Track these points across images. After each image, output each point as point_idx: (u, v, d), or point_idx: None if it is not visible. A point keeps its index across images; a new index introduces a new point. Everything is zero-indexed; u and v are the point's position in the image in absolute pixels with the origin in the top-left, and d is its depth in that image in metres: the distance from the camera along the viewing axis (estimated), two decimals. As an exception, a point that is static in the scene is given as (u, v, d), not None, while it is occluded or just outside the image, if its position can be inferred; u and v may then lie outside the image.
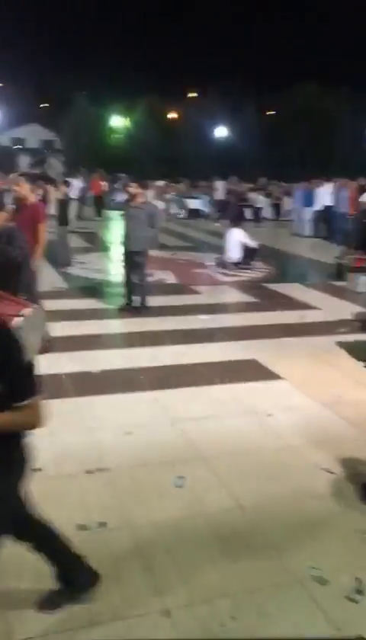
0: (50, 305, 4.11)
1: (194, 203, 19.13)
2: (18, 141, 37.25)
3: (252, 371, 4.56)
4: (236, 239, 9.16)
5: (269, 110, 33.51)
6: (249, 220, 16.44)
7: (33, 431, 3.29)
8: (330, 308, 6.81)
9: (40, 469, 2.95)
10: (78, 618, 2.04)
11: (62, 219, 9.05)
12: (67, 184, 9.85)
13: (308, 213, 13.99)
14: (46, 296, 4.52)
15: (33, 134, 39.01)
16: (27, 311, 2.67)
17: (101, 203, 16.88)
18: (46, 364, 3.34)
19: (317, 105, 31.29)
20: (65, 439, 3.29)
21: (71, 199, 10.15)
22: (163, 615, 2.07)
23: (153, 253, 6.37)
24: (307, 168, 22.91)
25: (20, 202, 4.87)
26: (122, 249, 6.37)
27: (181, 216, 18.70)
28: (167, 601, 2.14)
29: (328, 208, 13.22)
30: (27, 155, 28.20)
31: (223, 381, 4.31)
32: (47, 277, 7.13)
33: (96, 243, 12.26)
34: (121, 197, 7.84)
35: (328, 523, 2.64)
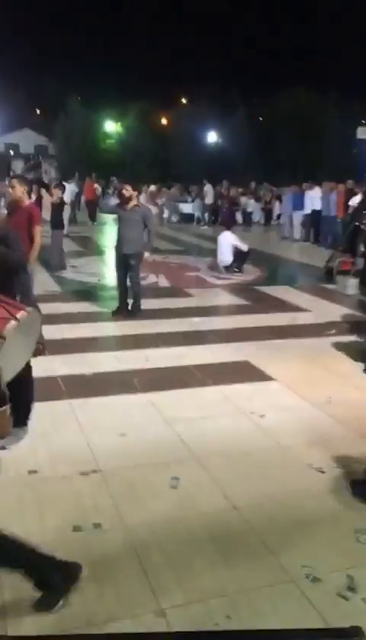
0: (44, 308, 4.12)
1: (186, 208, 19.23)
2: (12, 146, 37.21)
3: (245, 372, 4.60)
4: (228, 242, 9.22)
5: (258, 116, 33.75)
6: (240, 224, 16.56)
7: (26, 434, 3.32)
8: (320, 310, 6.88)
9: (35, 471, 2.98)
10: (74, 619, 2.05)
11: (56, 222, 9.07)
12: (62, 187, 9.85)
13: (297, 217, 14.12)
14: (40, 300, 4.52)
15: (27, 139, 39.00)
16: (22, 314, 2.70)
17: (94, 208, 16.90)
18: (40, 367, 3.37)
19: (305, 110, 31.54)
20: (59, 441, 3.31)
21: (65, 203, 10.15)
22: (158, 615, 2.09)
23: (146, 256, 6.38)
24: (297, 173, 23.08)
25: (15, 204, 4.89)
26: (115, 252, 6.39)
27: (174, 220, 18.79)
28: (162, 601, 2.15)
29: (317, 212, 13.36)
30: (20, 160, 28.19)
31: (215, 382, 4.34)
32: (41, 281, 7.15)
33: (90, 247, 12.29)
34: (114, 201, 7.87)
35: (320, 521, 2.67)
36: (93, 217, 16.86)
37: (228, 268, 9.20)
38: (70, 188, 15.36)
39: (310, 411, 3.89)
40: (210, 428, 3.58)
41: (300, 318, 6.44)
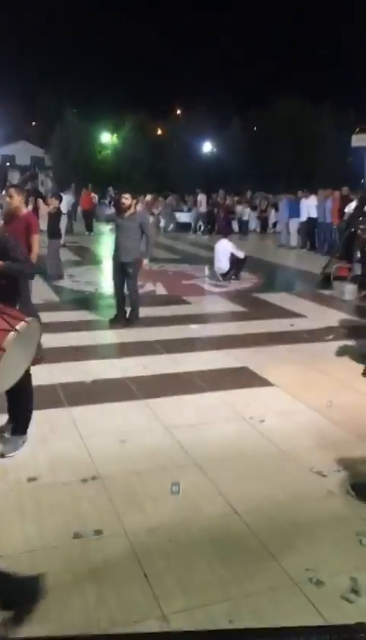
0: (42, 317, 4.13)
1: (182, 217, 19.35)
2: (8, 158, 37.41)
3: (244, 378, 4.60)
4: (225, 250, 9.26)
5: (253, 126, 34.06)
6: (236, 233, 16.67)
7: (25, 441, 3.31)
8: (317, 316, 6.90)
9: (34, 478, 2.97)
10: (75, 625, 2.03)
11: (53, 232, 9.11)
12: (59, 197, 9.90)
13: (294, 225, 14.21)
14: (38, 309, 4.54)
15: (23, 151, 39.23)
16: (21, 325, 2.71)
17: (90, 218, 16.98)
18: (39, 375, 3.37)
19: (300, 120, 31.84)
20: (59, 447, 3.30)
21: (62, 212, 10.20)
22: (161, 620, 2.07)
23: (145, 263, 6.40)
24: (292, 182, 23.25)
25: (12, 213, 4.91)
26: (113, 260, 6.41)
27: (170, 229, 18.88)
28: (164, 607, 2.14)
29: (313, 220, 13.45)
30: (17, 172, 28.33)
31: (214, 388, 4.34)
32: (39, 290, 7.15)
33: (86, 256, 12.32)
34: (110, 211, 7.93)
35: (322, 524, 2.66)
36: (89, 227, 16.93)
37: (225, 276, 9.23)
38: (67, 199, 15.45)
39: (310, 415, 3.89)
40: (210, 433, 3.57)
41: (298, 324, 6.46)
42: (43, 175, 29.13)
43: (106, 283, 8.22)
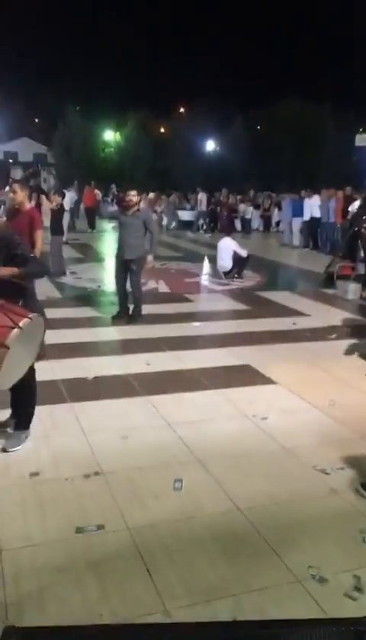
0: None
1: (185, 215, 19.35)
2: (11, 155, 37.38)
3: (246, 376, 4.59)
4: (228, 248, 9.24)
5: (256, 125, 34.02)
6: (239, 231, 16.67)
7: (28, 437, 3.30)
8: (320, 315, 6.89)
9: (36, 473, 2.97)
10: (77, 620, 2.03)
11: (56, 229, 9.10)
12: (62, 194, 9.89)
13: (296, 224, 14.18)
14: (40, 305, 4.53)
15: (26, 148, 39.16)
16: (24, 322, 2.70)
17: (93, 215, 16.96)
18: (41, 371, 3.36)
19: (303, 120, 31.80)
20: (61, 443, 3.29)
21: (65, 209, 10.18)
22: (164, 616, 2.07)
23: (149, 260, 6.39)
24: (296, 181, 23.23)
25: (15, 208, 4.90)
26: (116, 257, 6.40)
27: (172, 227, 18.87)
28: (167, 602, 2.13)
29: (316, 219, 13.43)
30: (19, 168, 28.30)
31: (217, 386, 4.33)
32: (41, 287, 7.13)
33: (89, 254, 12.31)
34: (113, 208, 7.93)
35: (325, 522, 2.65)
36: (92, 224, 16.92)
37: (228, 274, 9.22)
38: (69, 196, 15.44)
39: (313, 414, 3.88)
40: (212, 431, 3.57)
41: (301, 323, 6.44)
42: (45, 172, 29.10)
43: (108, 280, 8.21)
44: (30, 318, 2.76)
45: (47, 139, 36.16)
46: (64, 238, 10.53)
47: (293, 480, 3.00)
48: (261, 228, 18.79)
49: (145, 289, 7.27)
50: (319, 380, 4.55)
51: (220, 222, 17.77)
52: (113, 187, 24.63)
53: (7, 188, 8.40)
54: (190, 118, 34.17)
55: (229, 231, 11.78)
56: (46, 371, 4.01)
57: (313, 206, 13.54)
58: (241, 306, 7.41)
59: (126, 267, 6.24)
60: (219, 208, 18.44)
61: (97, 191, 18.16)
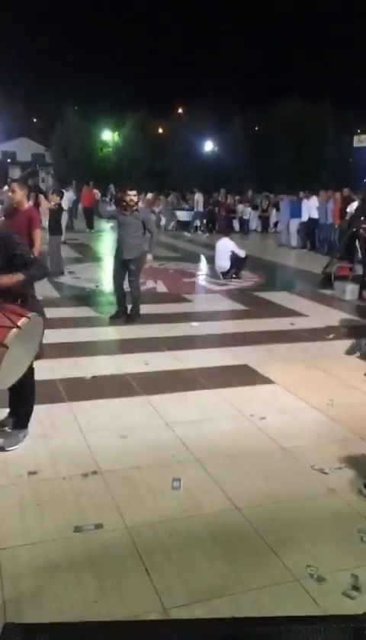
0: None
1: (183, 215, 19.35)
2: (9, 154, 37.36)
3: (244, 375, 4.59)
4: (226, 249, 9.25)
5: (254, 126, 34.07)
6: (237, 232, 16.69)
7: (26, 436, 3.30)
8: (318, 315, 6.90)
9: (35, 472, 2.96)
10: (76, 619, 2.03)
11: (54, 228, 9.09)
12: (60, 193, 9.88)
13: (294, 225, 14.21)
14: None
15: (24, 148, 39.14)
16: (23, 321, 2.70)
17: (91, 215, 16.95)
18: (39, 370, 3.36)
19: (301, 121, 31.85)
20: (59, 442, 3.29)
21: (63, 209, 10.18)
22: (162, 615, 2.06)
23: (149, 258, 6.39)
24: (294, 182, 23.27)
25: (14, 207, 4.89)
26: (115, 257, 6.39)
27: (170, 227, 18.88)
28: (165, 601, 2.13)
29: (313, 220, 13.45)
30: (17, 168, 28.29)
31: (215, 385, 4.33)
32: (39, 287, 7.12)
33: (87, 254, 12.30)
34: (111, 208, 7.94)
35: (324, 522, 2.66)
36: (90, 224, 16.90)
37: (226, 274, 9.23)
38: (68, 196, 15.44)
39: (311, 413, 3.89)
40: (211, 430, 3.57)
41: (299, 323, 6.45)
42: (43, 172, 29.09)
43: (107, 280, 8.20)
44: (28, 318, 2.76)
45: (46, 138, 36.16)
46: (62, 238, 10.53)
47: (292, 479, 3.01)
48: (259, 229, 18.82)
49: (143, 289, 7.26)
50: (318, 380, 4.55)
51: (218, 223, 17.78)
52: (112, 186, 24.63)
53: (5, 187, 8.39)
54: (188, 118, 34.19)
55: (227, 231, 11.80)
56: (45, 370, 4.00)
57: (311, 207, 13.57)
58: (239, 306, 7.42)
59: (124, 267, 6.24)
60: (217, 208, 18.46)
61: (95, 191, 18.15)
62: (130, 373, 4.54)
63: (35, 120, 42.69)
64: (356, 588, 2.23)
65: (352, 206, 10.50)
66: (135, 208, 6.17)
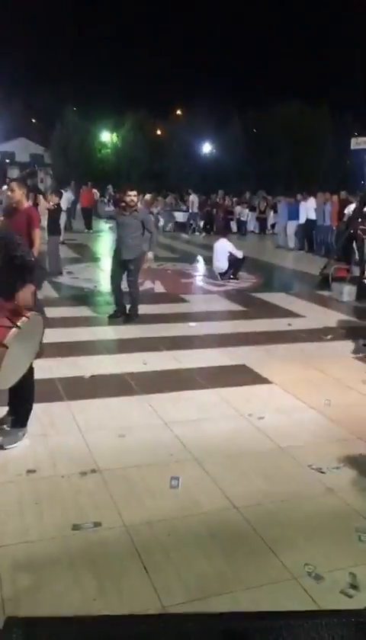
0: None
1: (181, 216, 19.38)
2: (8, 155, 37.30)
3: (242, 375, 4.60)
4: (224, 250, 9.27)
5: (253, 128, 34.14)
6: (234, 233, 16.72)
7: (25, 434, 3.30)
8: (316, 316, 6.92)
9: (34, 470, 2.97)
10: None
11: (53, 228, 9.09)
12: (59, 194, 9.88)
13: (292, 227, 14.25)
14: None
15: (23, 148, 39.08)
16: (22, 321, 2.71)
17: (90, 216, 16.95)
18: (38, 369, 3.36)
19: (300, 123, 31.93)
20: (58, 441, 3.29)
21: (62, 209, 10.18)
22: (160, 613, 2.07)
23: (150, 256, 6.41)
24: (292, 184, 23.33)
25: (13, 207, 4.90)
26: (113, 258, 6.40)
27: (169, 228, 18.89)
28: (164, 599, 2.14)
29: (311, 222, 13.49)
30: (16, 168, 28.26)
31: (213, 385, 4.34)
32: (36, 286, 7.12)
33: (85, 254, 12.30)
34: (109, 208, 7.96)
35: (321, 521, 2.67)
36: (89, 225, 16.90)
37: (224, 275, 9.25)
38: (66, 196, 15.42)
39: (308, 413, 3.90)
40: (209, 430, 3.58)
41: (296, 324, 6.47)
42: (42, 173, 29.06)
43: (104, 280, 8.22)
44: (28, 317, 2.77)
45: (44, 139, 36.11)
46: (61, 238, 10.53)
47: (289, 479, 3.02)
48: (256, 231, 18.85)
49: (141, 289, 7.27)
50: (315, 380, 4.57)
51: (216, 224, 17.81)
52: (110, 187, 24.63)
53: (4, 187, 8.38)
54: (187, 119, 34.22)
55: (225, 232, 11.82)
56: (44, 369, 4.00)
57: (308, 208, 13.61)
58: (237, 307, 7.43)
59: (123, 267, 6.24)
60: (215, 210, 18.48)
61: (94, 190, 18.15)
62: (128, 373, 4.55)
63: (34, 121, 42.64)
64: (354, 587, 2.24)
65: (350, 208, 10.55)
66: (134, 209, 6.18)
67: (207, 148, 33.51)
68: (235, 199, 19.81)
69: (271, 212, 18.39)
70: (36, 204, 9.97)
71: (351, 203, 11.17)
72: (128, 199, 6.10)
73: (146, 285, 8.35)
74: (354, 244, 9.20)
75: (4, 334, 2.62)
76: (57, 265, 9.08)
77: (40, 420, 3.46)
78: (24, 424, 3.27)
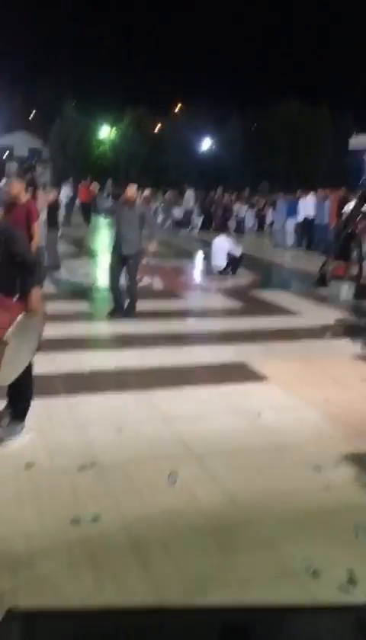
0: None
1: (179, 213, 19.31)
2: (6, 148, 37.16)
3: (241, 373, 4.61)
4: (223, 247, 9.26)
5: (252, 125, 34.11)
6: (233, 230, 16.69)
7: (23, 428, 3.29)
8: (314, 314, 6.93)
9: (32, 464, 2.96)
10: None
11: (52, 223, 9.06)
12: (58, 188, 9.85)
13: (291, 224, 14.24)
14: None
15: (21, 142, 38.92)
16: (20, 318, 2.70)
17: (88, 211, 16.90)
18: (37, 364, 3.36)
19: (299, 121, 31.91)
20: (57, 435, 3.29)
21: (60, 204, 10.15)
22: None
23: (152, 246, 6.43)
24: (290, 182, 23.32)
25: (12, 201, 4.88)
26: (112, 253, 6.38)
27: (167, 224, 18.85)
28: (162, 593, 2.14)
29: (310, 220, 13.49)
30: (14, 163, 28.15)
31: (211, 382, 4.34)
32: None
33: (84, 249, 12.28)
34: (108, 203, 7.96)
35: (319, 517, 2.68)
36: (87, 220, 16.86)
37: (222, 272, 9.24)
38: (65, 191, 15.39)
39: (307, 411, 3.91)
40: (208, 426, 3.58)
41: (294, 321, 6.47)
42: (41, 167, 28.96)
43: (103, 275, 8.20)
44: (25, 313, 2.77)
45: (43, 133, 35.97)
46: (59, 233, 10.49)
47: (288, 475, 3.02)
48: (255, 228, 18.83)
49: (140, 285, 7.26)
50: (313, 378, 4.58)
51: (215, 221, 17.77)
52: (110, 181, 24.56)
53: (3, 181, 8.36)
54: (187, 116, 34.16)
55: (223, 229, 11.81)
56: (42, 364, 3.98)
57: (307, 205, 13.59)
58: (235, 304, 7.43)
59: (122, 263, 6.23)
60: (213, 206, 18.44)
61: (94, 183, 18.08)
62: (126, 368, 4.54)
63: (33, 114, 42.43)
64: (352, 582, 2.25)
65: (349, 206, 10.53)
66: (134, 203, 6.17)
67: (206, 145, 33.44)
68: (233, 196, 19.78)
69: (270, 210, 18.38)
70: (34, 198, 9.94)
71: (350, 200, 11.15)
72: (129, 193, 6.09)
73: (145, 281, 8.33)
74: (352, 243, 9.19)
75: (2, 332, 2.62)
76: (55, 260, 9.06)
77: (38, 414, 3.46)
78: (22, 419, 3.26)
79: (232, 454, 3.21)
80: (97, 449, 3.15)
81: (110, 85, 37.69)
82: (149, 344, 5.26)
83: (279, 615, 1.08)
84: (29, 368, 3.13)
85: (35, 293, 2.92)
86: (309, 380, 4.51)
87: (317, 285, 8.73)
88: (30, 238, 4.67)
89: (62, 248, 10.44)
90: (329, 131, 31.74)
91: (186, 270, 10.12)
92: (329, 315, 6.85)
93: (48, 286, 7.74)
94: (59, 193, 9.71)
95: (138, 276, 6.72)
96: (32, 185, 12.25)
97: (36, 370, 3.38)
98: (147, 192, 20.36)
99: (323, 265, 9.17)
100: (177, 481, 2.88)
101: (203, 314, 6.81)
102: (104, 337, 5.63)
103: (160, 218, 19.16)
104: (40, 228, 5.12)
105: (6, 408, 3.33)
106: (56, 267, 8.96)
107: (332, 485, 2.93)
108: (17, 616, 1.04)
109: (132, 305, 6.32)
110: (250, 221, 18.80)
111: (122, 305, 6.31)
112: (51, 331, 5.06)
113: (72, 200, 17.37)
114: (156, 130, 34.58)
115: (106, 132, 35.19)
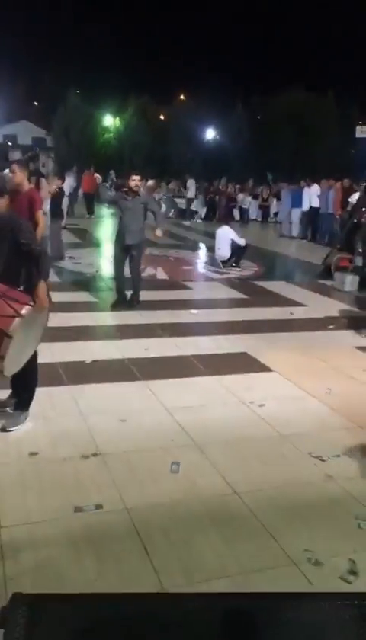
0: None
1: (183, 203, 19.22)
2: (9, 137, 36.96)
3: (243, 363, 4.61)
4: (226, 237, 9.22)
5: (257, 114, 33.77)
6: (237, 221, 16.62)
7: (27, 417, 3.31)
8: (318, 305, 6.91)
9: (35, 453, 2.98)
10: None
11: (55, 213, 9.03)
12: (62, 177, 9.80)
13: (296, 214, 14.15)
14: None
15: (25, 131, 38.69)
16: (26, 309, 2.70)
17: (92, 200, 16.83)
18: (41, 353, 3.37)
19: (304, 110, 31.56)
20: (60, 424, 3.31)
21: (64, 193, 10.10)
22: (160, 594, 2.10)
23: (158, 232, 6.37)
24: (295, 171, 23.14)
25: (15, 189, 4.85)
26: (116, 243, 6.36)
27: (171, 214, 18.77)
28: (164, 581, 2.16)
29: (315, 209, 13.40)
30: (18, 152, 28.00)
31: (214, 372, 4.34)
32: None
33: (87, 239, 12.25)
34: (112, 193, 7.92)
35: (321, 507, 2.69)
36: (90, 210, 16.80)
37: (226, 262, 9.21)
38: (68, 181, 15.30)
39: (309, 401, 3.91)
40: (210, 416, 3.59)
41: (298, 313, 6.46)
42: (44, 156, 28.80)
43: (106, 265, 8.19)
44: (31, 305, 2.77)
45: (47, 122, 35.72)
46: (63, 223, 10.46)
47: (290, 466, 3.03)
48: (259, 219, 18.73)
49: (143, 276, 7.25)
50: (316, 369, 4.57)
51: (218, 211, 17.68)
52: (112, 172, 24.43)
53: (6, 170, 8.30)
54: (191, 106, 33.84)
55: (227, 220, 11.74)
56: (46, 353, 4.00)
57: (312, 195, 13.49)
58: (239, 295, 7.42)
59: (126, 253, 6.21)
60: (217, 197, 18.34)
61: (97, 175, 17.98)
62: (129, 358, 4.55)
63: (36, 104, 42.15)
64: (353, 573, 2.26)
65: (354, 197, 10.46)
66: (137, 193, 6.13)
67: (210, 134, 33.18)
68: (237, 186, 19.66)
69: (274, 200, 18.27)
70: (38, 188, 9.90)
71: (355, 191, 11.07)
72: (132, 183, 6.05)
73: (148, 271, 8.32)
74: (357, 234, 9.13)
75: (8, 324, 2.62)
76: (59, 250, 9.04)
77: (42, 403, 3.47)
78: (26, 408, 3.28)
79: (234, 444, 3.22)
80: (100, 438, 3.17)
81: (114, 74, 37.39)
82: (153, 334, 5.26)
83: (281, 600, 1.09)
84: (33, 358, 3.13)
85: (41, 288, 2.91)
86: (311, 371, 4.51)
87: (321, 276, 8.70)
88: (35, 225, 4.64)
89: (66, 238, 10.43)
90: (335, 121, 31.39)
91: (189, 261, 10.09)
92: (332, 307, 6.84)
93: (51, 277, 7.75)
94: (63, 182, 9.64)
95: (141, 267, 6.71)
96: (35, 174, 12.20)
97: (40, 359, 3.39)
98: (151, 182, 20.27)
99: (327, 256, 9.13)
100: (179, 470, 2.89)
101: (207, 304, 6.80)
102: (107, 326, 5.64)
103: (164, 208, 19.08)
104: (43, 217, 5.08)
105: (10, 396, 3.35)
106: (60, 257, 8.95)
107: (334, 476, 2.94)
108: (23, 599, 1.05)
109: (135, 295, 6.31)
110: (254, 211, 18.71)
111: (125, 297, 6.30)
112: (55, 320, 5.08)
113: (75, 190, 17.29)
114: (161, 118, 34.29)
115: (110, 121, 34.93)
